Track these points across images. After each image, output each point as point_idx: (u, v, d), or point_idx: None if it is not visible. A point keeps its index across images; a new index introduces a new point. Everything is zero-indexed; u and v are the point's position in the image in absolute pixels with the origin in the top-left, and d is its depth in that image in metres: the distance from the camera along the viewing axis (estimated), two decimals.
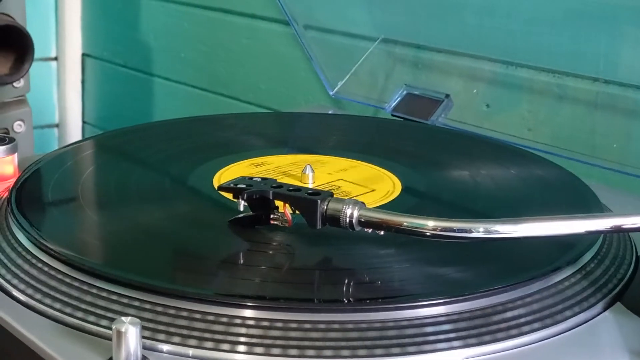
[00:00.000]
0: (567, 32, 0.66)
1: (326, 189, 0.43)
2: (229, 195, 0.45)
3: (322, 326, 0.36)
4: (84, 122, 1.21)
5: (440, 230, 0.39)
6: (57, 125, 1.21)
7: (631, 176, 0.61)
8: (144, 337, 0.35)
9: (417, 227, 0.39)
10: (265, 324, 0.36)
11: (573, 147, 0.65)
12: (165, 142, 0.61)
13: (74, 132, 1.21)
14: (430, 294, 0.38)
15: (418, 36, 0.76)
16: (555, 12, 0.66)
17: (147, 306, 0.37)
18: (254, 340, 0.35)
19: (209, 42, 1.01)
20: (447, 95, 0.72)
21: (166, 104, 1.09)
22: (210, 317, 0.36)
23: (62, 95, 1.20)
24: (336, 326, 0.36)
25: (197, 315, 0.36)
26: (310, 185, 0.51)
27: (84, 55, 1.19)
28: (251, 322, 0.36)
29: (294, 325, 0.36)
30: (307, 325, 0.36)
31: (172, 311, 0.37)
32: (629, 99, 0.63)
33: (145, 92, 1.11)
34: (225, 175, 0.53)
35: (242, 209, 0.43)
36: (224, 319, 0.36)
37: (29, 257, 0.42)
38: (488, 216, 0.49)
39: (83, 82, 1.20)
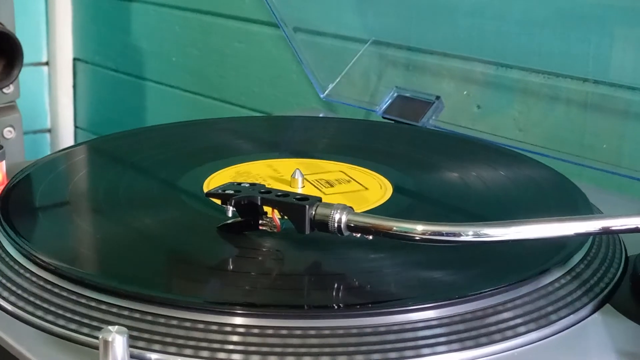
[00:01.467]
0: (558, 34, 0.66)
1: (315, 193, 0.43)
2: (218, 201, 0.45)
3: (312, 332, 0.36)
4: (76, 126, 1.21)
5: (429, 235, 0.38)
6: (49, 131, 1.21)
7: (622, 177, 0.61)
8: (132, 346, 0.35)
9: (405, 232, 0.39)
10: (256, 331, 0.36)
11: (564, 147, 0.65)
12: (156, 148, 0.61)
13: (66, 137, 1.20)
14: (420, 297, 0.38)
15: (409, 38, 0.76)
16: (545, 14, 0.66)
17: (136, 315, 0.37)
18: (243, 347, 0.35)
19: (200, 46, 1.00)
20: (438, 97, 0.72)
21: (158, 108, 1.09)
22: (200, 325, 0.36)
23: (53, 100, 1.19)
24: (327, 332, 0.36)
25: (187, 324, 0.36)
26: (299, 190, 0.51)
27: (75, 59, 1.19)
28: (241, 330, 0.36)
29: (284, 332, 0.36)
30: (298, 332, 0.36)
31: (161, 319, 0.36)
32: (619, 99, 0.63)
33: (137, 96, 1.10)
34: (215, 180, 0.53)
35: (230, 214, 0.43)
36: (214, 327, 0.36)
37: (16, 266, 0.41)
38: (479, 218, 0.49)
39: (74, 86, 1.20)
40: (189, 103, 1.03)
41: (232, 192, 0.43)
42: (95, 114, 1.19)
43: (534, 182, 0.56)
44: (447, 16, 0.73)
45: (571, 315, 0.39)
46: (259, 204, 0.43)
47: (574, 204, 0.50)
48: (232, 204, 0.43)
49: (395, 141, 0.65)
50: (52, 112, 1.20)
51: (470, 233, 0.38)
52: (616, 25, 0.63)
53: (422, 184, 0.54)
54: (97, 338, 0.33)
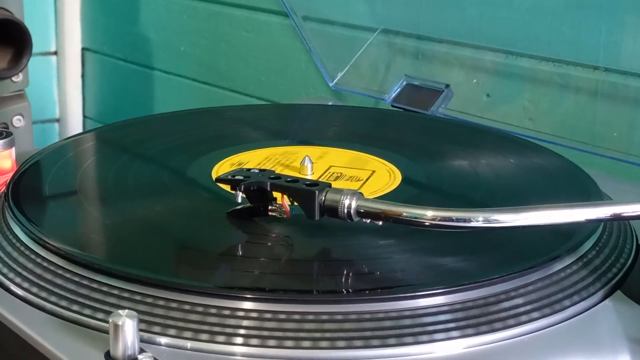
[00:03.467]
0: (568, 21, 0.65)
1: (325, 180, 0.43)
2: (228, 187, 0.45)
3: (325, 317, 0.36)
4: (84, 116, 1.21)
5: (439, 220, 0.38)
6: (57, 120, 1.21)
7: (633, 165, 0.61)
8: (142, 330, 0.35)
9: (415, 217, 0.39)
10: (267, 315, 0.36)
11: (574, 136, 0.65)
12: (165, 135, 0.61)
13: (75, 127, 1.21)
14: (429, 284, 0.38)
15: (418, 26, 0.76)
16: (555, 1, 0.66)
17: (149, 300, 0.37)
18: (252, 332, 0.35)
19: (209, 35, 1.00)
20: (447, 86, 0.72)
21: (167, 98, 1.09)
22: (212, 310, 0.36)
23: (62, 90, 1.19)
24: (339, 317, 0.36)
25: (199, 308, 0.36)
26: (309, 177, 0.51)
27: (84, 49, 1.19)
28: (252, 314, 0.36)
29: (296, 317, 0.36)
30: (310, 317, 0.36)
31: (173, 304, 0.36)
32: (630, 87, 0.63)
33: (146, 86, 1.10)
34: (224, 167, 0.53)
35: (239, 200, 0.43)
36: (225, 312, 0.36)
37: (26, 251, 0.42)
38: (488, 206, 0.48)
39: (83, 76, 1.20)
40: (198, 92, 1.03)
41: (241, 177, 0.43)
42: (104, 104, 1.19)
43: (544, 170, 0.55)
44: (456, 4, 0.72)
45: (582, 302, 0.39)
46: (269, 189, 0.43)
47: (585, 191, 0.50)
48: (242, 189, 0.43)
49: (405, 129, 0.65)
50: (61, 101, 1.20)
51: (481, 219, 0.38)
52: (627, 13, 0.62)
53: (431, 172, 0.54)
54: (107, 322, 0.33)
